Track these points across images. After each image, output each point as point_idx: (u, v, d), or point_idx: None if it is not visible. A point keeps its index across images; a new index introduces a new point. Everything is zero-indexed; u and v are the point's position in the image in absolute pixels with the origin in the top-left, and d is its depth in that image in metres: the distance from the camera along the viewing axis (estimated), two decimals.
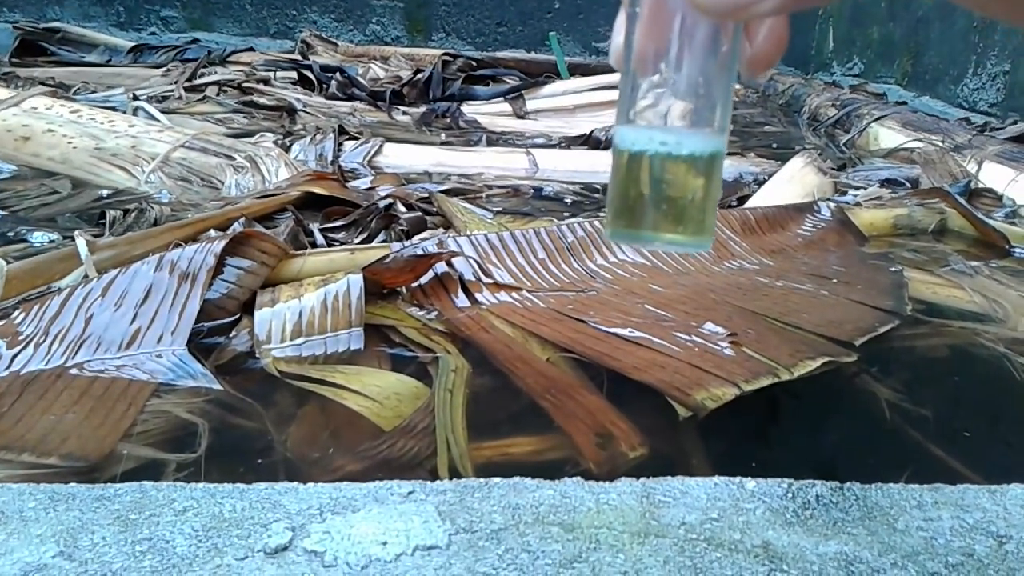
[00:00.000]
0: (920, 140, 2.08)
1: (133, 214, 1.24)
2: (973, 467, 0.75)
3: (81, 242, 0.99)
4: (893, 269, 1.24)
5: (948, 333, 1.06)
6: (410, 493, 0.59)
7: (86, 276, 0.98)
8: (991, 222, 1.43)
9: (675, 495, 0.60)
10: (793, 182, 1.55)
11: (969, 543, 0.57)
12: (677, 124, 0.42)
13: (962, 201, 1.46)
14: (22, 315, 0.87)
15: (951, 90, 2.75)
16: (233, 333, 0.92)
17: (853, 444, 0.82)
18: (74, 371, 0.83)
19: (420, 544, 0.53)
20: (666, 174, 0.42)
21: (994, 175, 1.75)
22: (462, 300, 1.05)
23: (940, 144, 2.00)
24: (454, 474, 0.71)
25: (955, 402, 0.91)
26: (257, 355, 0.89)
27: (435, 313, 1.02)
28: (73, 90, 2.29)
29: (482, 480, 0.61)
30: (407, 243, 1.13)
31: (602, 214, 1.49)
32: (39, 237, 1.20)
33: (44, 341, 0.85)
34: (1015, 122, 2.18)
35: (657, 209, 0.43)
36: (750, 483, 0.62)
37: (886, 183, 1.75)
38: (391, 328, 0.98)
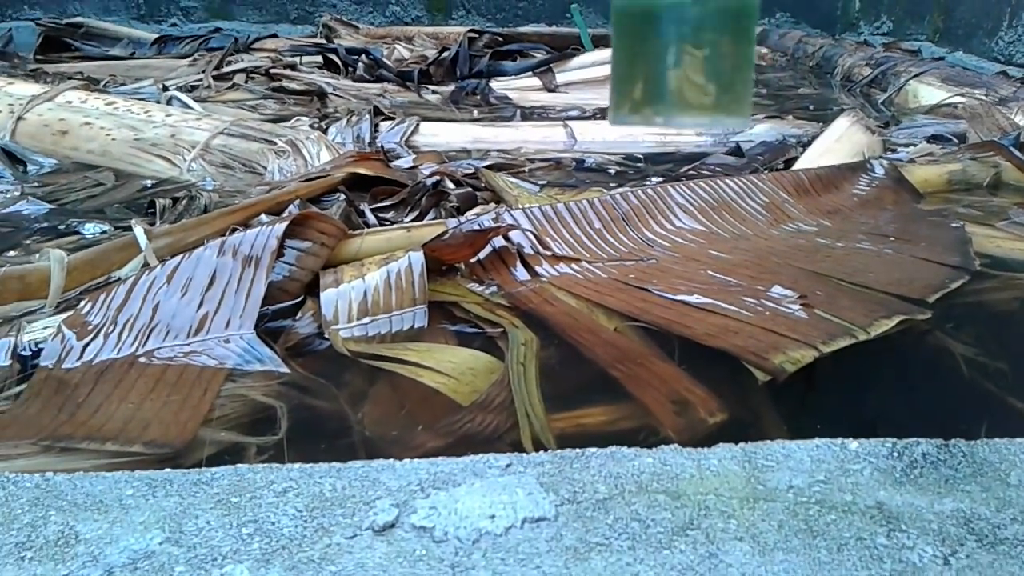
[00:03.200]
0: (963, 95, 2.04)
1: (183, 202, 1.24)
2: None
3: (139, 231, 0.99)
4: (954, 224, 1.21)
5: (1019, 286, 1.03)
6: (508, 466, 0.58)
7: (145, 264, 0.97)
8: None
9: (778, 459, 0.59)
10: (842, 141, 1.52)
11: None
12: None
13: (1017, 154, 1.42)
14: (88, 305, 0.87)
15: (985, 44, 2.69)
16: (298, 316, 0.92)
17: (941, 401, 0.80)
18: (144, 359, 0.83)
19: (528, 516, 0.52)
20: (686, 32, 0.36)
21: None
22: (521, 273, 1.03)
23: (984, 98, 1.96)
24: (538, 446, 0.70)
25: None
26: (326, 336, 0.88)
27: (495, 288, 1.00)
28: (102, 83, 2.29)
29: (579, 450, 0.60)
30: (462, 219, 1.11)
31: (648, 183, 1.46)
32: (91, 228, 1.19)
33: (113, 330, 0.85)
34: None
35: (678, 77, 0.36)
36: (852, 444, 0.60)
37: (933, 139, 1.71)
38: (453, 304, 0.97)
